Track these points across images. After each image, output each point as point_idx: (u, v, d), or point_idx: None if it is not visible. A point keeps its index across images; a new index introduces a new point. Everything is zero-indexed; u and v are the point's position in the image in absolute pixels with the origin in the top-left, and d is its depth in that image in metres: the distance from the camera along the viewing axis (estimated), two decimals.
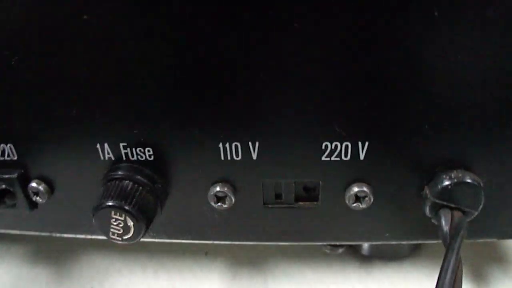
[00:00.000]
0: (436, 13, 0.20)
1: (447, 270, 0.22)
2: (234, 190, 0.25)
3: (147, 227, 0.25)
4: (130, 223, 0.24)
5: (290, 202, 0.26)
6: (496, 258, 0.32)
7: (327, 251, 0.29)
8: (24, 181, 0.27)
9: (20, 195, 0.27)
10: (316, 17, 0.20)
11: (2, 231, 0.31)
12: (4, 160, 0.27)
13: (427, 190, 0.24)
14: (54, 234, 0.30)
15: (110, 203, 0.24)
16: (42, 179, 0.27)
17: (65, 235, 0.29)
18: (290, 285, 0.31)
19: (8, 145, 0.26)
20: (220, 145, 0.24)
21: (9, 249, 0.35)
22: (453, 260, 0.22)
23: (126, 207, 0.24)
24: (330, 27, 0.20)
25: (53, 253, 0.34)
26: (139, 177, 0.25)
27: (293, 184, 0.25)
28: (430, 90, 0.22)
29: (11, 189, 0.27)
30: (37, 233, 0.30)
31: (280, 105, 0.23)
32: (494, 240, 0.29)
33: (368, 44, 0.21)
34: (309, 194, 0.26)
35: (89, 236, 0.29)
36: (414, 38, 0.20)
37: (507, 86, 0.21)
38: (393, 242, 0.27)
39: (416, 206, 0.25)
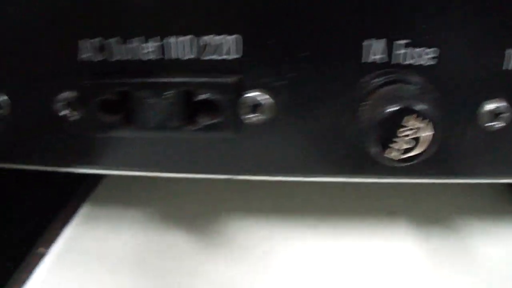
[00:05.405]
0: None
1: None
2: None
3: None
4: (426, 133, 0.19)
5: None
6: None
7: None
8: (240, 89, 0.20)
9: (229, 111, 0.20)
10: None
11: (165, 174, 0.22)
12: (217, 60, 0.20)
13: None
14: (242, 177, 0.22)
15: (413, 106, 0.19)
16: (266, 88, 0.21)
17: (257, 178, 0.22)
18: None
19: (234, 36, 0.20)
20: None
21: (124, 213, 0.26)
22: None
23: (429, 112, 0.19)
24: None
25: (185, 217, 0.26)
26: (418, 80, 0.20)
27: None
28: None
29: (217, 101, 0.20)
30: (217, 176, 0.22)
31: None
32: None
33: None
34: None
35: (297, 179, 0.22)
36: None
37: None
38: None
39: None
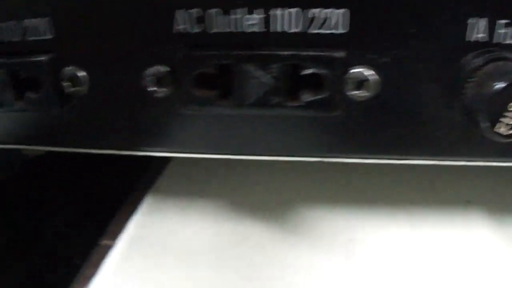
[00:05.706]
0: None
1: None
2: None
3: None
4: None
5: None
6: None
7: None
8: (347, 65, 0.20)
9: (335, 86, 0.20)
10: None
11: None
12: (324, 34, 0.19)
13: None
14: (336, 159, 0.22)
15: None
16: (371, 64, 0.20)
17: (351, 160, 0.22)
18: None
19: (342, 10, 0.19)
20: None
21: (190, 204, 0.25)
22: None
23: None
24: None
25: (259, 207, 0.25)
26: None
27: None
28: None
29: (323, 76, 0.19)
30: None
31: None
32: None
33: None
34: None
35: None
36: None
37: None
38: None
39: None
